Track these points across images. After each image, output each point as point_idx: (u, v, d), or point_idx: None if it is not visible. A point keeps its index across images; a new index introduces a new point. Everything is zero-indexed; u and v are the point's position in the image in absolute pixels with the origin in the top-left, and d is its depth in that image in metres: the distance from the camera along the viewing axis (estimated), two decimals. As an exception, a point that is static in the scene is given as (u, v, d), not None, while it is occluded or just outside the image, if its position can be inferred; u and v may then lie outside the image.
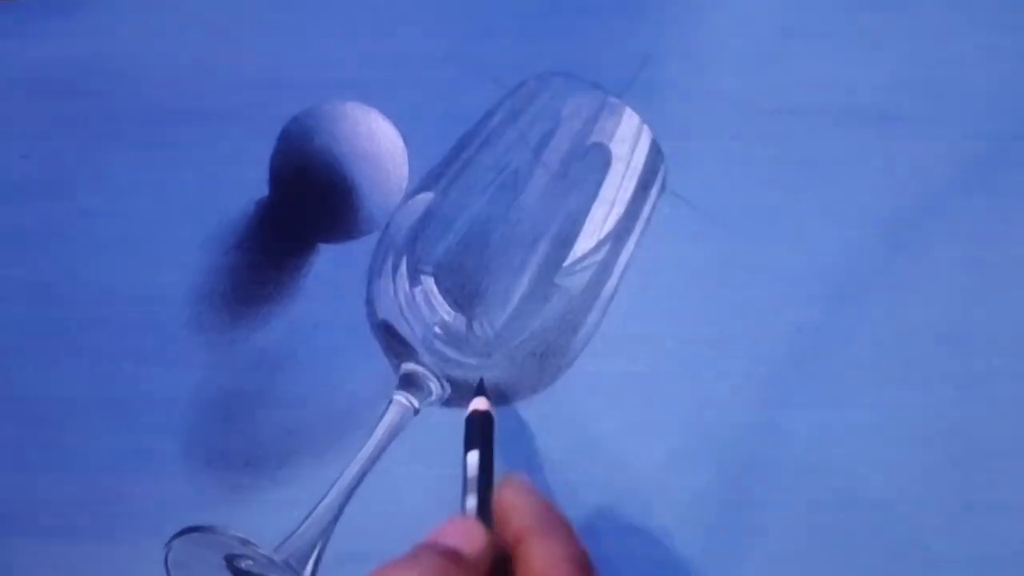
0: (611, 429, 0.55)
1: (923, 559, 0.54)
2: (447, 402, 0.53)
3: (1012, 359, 0.56)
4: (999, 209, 0.57)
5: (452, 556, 0.42)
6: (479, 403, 0.52)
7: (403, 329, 0.52)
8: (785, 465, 0.55)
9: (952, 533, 0.55)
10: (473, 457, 0.49)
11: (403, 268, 0.52)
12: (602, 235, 0.53)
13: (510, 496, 0.44)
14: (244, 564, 0.49)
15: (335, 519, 0.50)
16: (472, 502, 0.46)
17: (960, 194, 0.57)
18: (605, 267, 0.53)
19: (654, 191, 0.55)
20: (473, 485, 0.47)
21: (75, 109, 0.60)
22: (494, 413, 0.52)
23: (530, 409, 0.54)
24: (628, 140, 0.54)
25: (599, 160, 0.53)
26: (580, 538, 0.43)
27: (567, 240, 0.52)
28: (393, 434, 0.51)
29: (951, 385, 0.56)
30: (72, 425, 0.56)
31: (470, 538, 0.43)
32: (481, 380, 0.52)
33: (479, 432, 0.50)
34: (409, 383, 0.52)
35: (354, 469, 0.50)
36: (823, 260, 0.57)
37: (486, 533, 0.43)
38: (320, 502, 0.50)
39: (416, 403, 0.52)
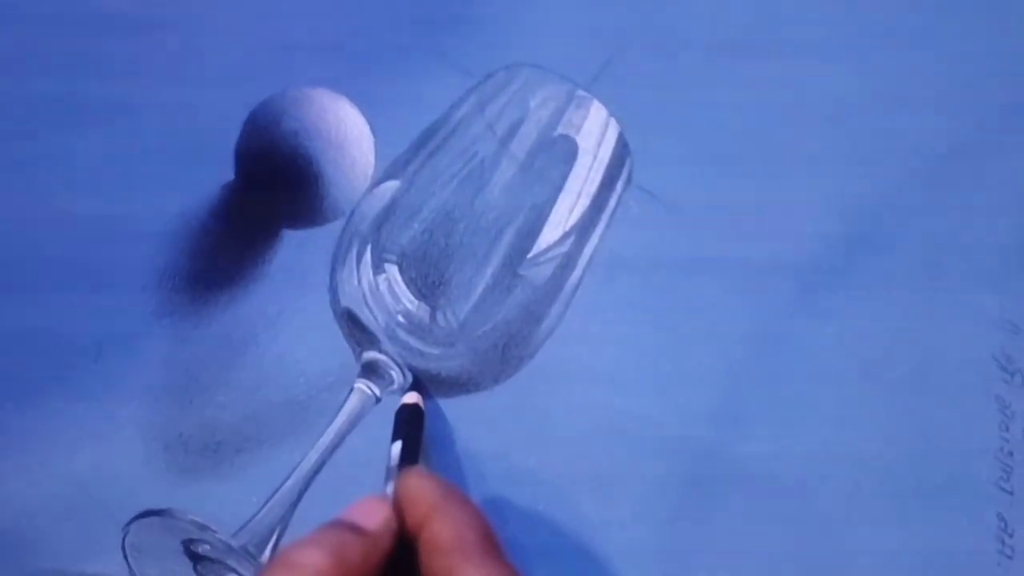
0: (570, 421, 0.55)
1: (876, 553, 0.55)
2: (408, 391, 0.53)
3: (970, 359, 0.57)
4: (960, 209, 0.58)
5: (353, 529, 0.43)
6: (410, 397, 0.53)
7: (366, 317, 0.52)
8: (743, 460, 0.55)
9: (907, 529, 0.55)
10: (396, 447, 0.50)
11: (367, 256, 0.52)
12: (567, 227, 0.53)
13: (410, 483, 0.45)
14: (201, 549, 0.49)
15: (294, 506, 0.50)
16: (391, 489, 0.46)
17: (922, 193, 0.58)
18: (569, 259, 0.53)
19: (620, 184, 0.55)
20: (393, 473, 0.48)
21: (40, 90, 0.59)
22: (424, 408, 0.53)
23: (491, 399, 0.55)
24: (595, 133, 0.54)
25: (566, 152, 0.53)
26: (483, 514, 0.44)
27: (532, 231, 0.52)
28: (354, 422, 0.51)
29: (910, 385, 0.56)
30: (29, 407, 0.55)
31: (372, 513, 0.44)
32: (416, 377, 0.52)
33: (406, 424, 0.52)
34: (371, 371, 0.52)
35: (314, 456, 0.50)
36: (786, 256, 0.57)
37: (389, 508, 0.44)
38: (279, 488, 0.50)
39: (378, 391, 0.52)
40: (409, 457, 0.50)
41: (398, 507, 0.45)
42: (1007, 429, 0.56)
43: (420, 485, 0.45)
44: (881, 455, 0.56)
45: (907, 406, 0.56)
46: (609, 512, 0.55)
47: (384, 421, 0.52)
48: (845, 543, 0.55)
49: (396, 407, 0.53)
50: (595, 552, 0.54)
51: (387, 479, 0.48)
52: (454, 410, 0.55)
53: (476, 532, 0.43)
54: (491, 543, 0.43)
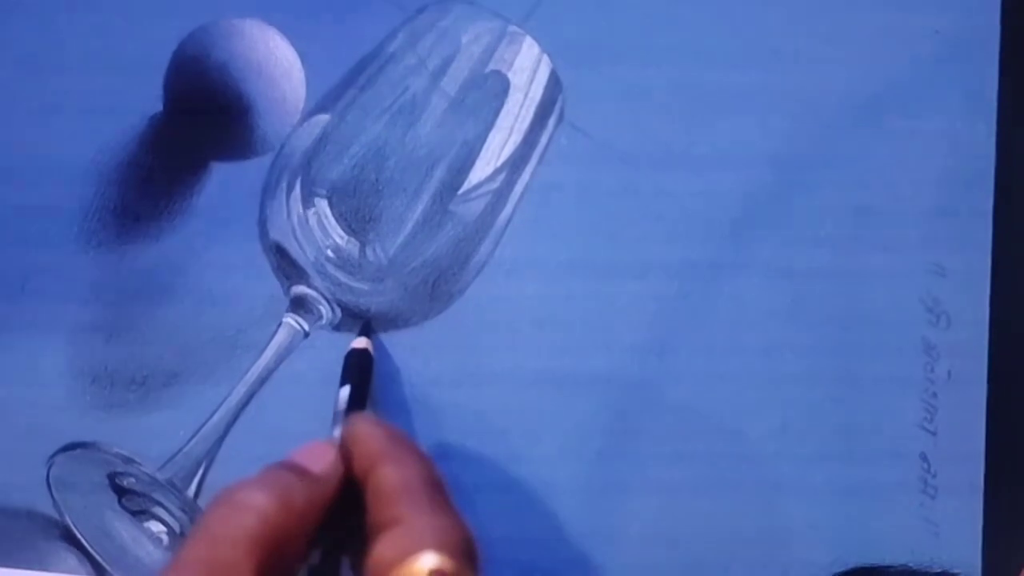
0: (499, 357, 0.55)
1: (801, 490, 0.55)
2: (337, 326, 0.53)
3: (897, 300, 0.57)
4: (890, 154, 0.58)
5: (299, 472, 0.43)
6: (359, 342, 0.52)
7: (295, 251, 0.52)
8: (670, 397, 0.56)
9: (831, 467, 0.56)
10: (344, 392, 0.50)
11: (297, 190, 0.52)
12: (498, 164, 0.53)
13: (358, 429, 0.45)
14: (127, 482, 0.49)
15: (221, 440, 0.50)
16: (338, 433, 0.46)
17: (851, 134, 0.58)
18: (500, 196, 0.53)
19: (551, 121, 0.55)
20: (340, 418, 0.48)
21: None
22: (373, 353, 0.53)
23: (419, 335, 0.54)
24: (527, 70, 0.54)
25: (498, 88, 0.53)
26: (431, 460, 0.44)
27: (463, 168, 0.52)
28: (282, 356, 0.51)
29: (837, 325, 0.57)
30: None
31: (318, 457, 0.44)
32: (367, 321, 0.52)
33: (354, 369, 0.51)
34: (299, 306, 0.52)
35: (241, 390, 0.51)
36: (716, 196, 0.57)
37: (335, 452, 0.45)
38: (206, 422, 0.50)
39: (306, 326, 0.52)
40: (357, 402, 0.49)
41: (345, 452, 0.45)
42: (932, 370, 0.57)
43: (367, 430, 0.45)
44: (807, 394, 0.56)
45: (833, 346, 0.56)
46: (537, 447, 0.55)
47: (312, 356, 0.52)
48: (770, 481, 0.56)
49: (346, 350, 0.52)
50: (523, 487, 0.55)
51: (334, 423, 0.48)
52: (383, 345, 0.55)
53: (422, 478, 0.43)
54: (437, 489, 0.43)
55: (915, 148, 0.58)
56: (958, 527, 0.56)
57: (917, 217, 0.57)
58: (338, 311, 0.52)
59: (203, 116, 0.56)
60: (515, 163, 0.53)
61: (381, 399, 0.54)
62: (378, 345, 0.54)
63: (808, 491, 0.56)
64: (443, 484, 0.44)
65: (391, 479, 0.43)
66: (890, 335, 0.57)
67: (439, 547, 0.40)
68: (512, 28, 0.54)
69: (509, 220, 0.54)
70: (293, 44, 0.56)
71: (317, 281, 0.52)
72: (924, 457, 0.56)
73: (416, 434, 0.54)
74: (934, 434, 0.56)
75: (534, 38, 0.54)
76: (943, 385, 0.57)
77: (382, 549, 0.41)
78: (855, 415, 0.56)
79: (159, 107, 0.57)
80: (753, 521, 0.56)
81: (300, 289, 0.52)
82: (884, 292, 0.57)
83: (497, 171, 0.53)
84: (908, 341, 0.57)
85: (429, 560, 0.40)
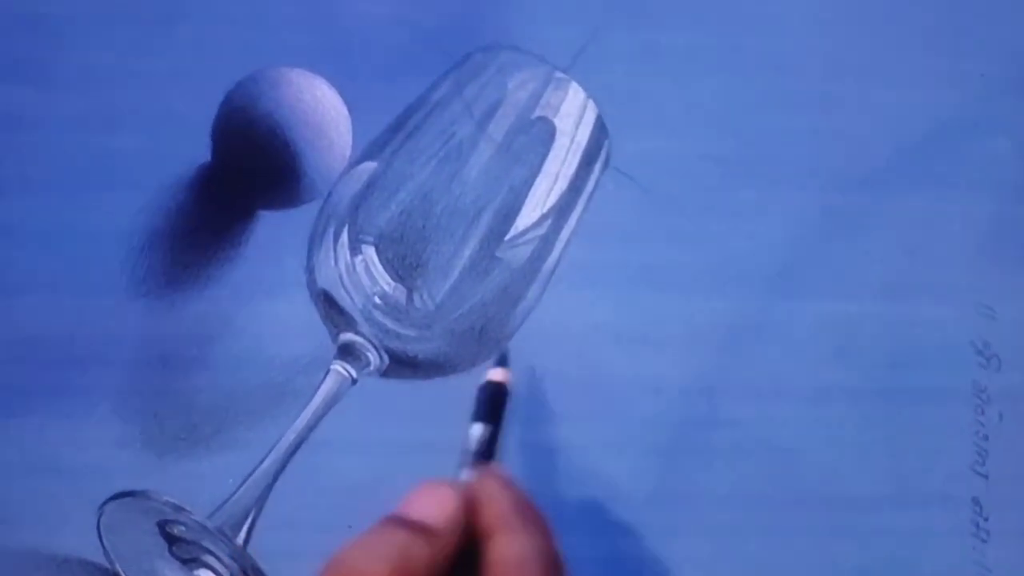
0: (548, 398, 0.55)
1: (852, 535, 0.55)
2: (385, 373, 0.53)
3: (947, 343, 0.57)
4: (937, 192, 0.58)
5: (417, 529, 0.39)
6: (496, 373, 0.46)
7: (342, 299, 0.52)
8: (719, 441, 0.55)
9: (883, 511, 0.55)
10: (477, 429, 0.44)
11: (344, 237, 0.52)
12: (545, 209, 0.53)
13: (487, 486, 0.41)
14: (177, 530, 0.49)
15: (270, 487, 0.50)
16: (465, 476, 0.42)
17: (899, 176, 0.58)
18: (547, 241, 0.53)
19: (598, 167, 0.55)
20: (470, 459, 0.43)
21: (11, 68, 0.59)
22: (510, 388, 0.47)
23: (468, 380, 0.54)
24: (573, 115, 0.54)
25: (544, 134, 0.53)
26: (555, 537, 0.43)
27: (510, 213, 0.52)
28: (330, 403, 0.51)
29: (887, 368, 0.56)
30: (4, 387, 0.55)
31: (437, 507, 0.40)
32: (506, 351, 0.47)
33: (489, 404, 0.46)
34: (347, 353, 0.52)
35: (290, 437, 0.50)
36: (763, 240, 0.57)
37: (456, 503, 0.40)
38: (255, 470, 0.50)
39: (354, 373, 0.52)
40: (490, 444, 0.44)
41: (468, 501, 0.41)
42: (983, 413, 0.56)
43: (495, 492, 0.41)
44: (858, 437, 0.56)
45: (883, 389, 0.56)
46: (587, 489, 0.55)
47: (360, 403, 0.52)
48: (821, 524, 0.55)
49: (480, 383, 0.46)
50: (575, 528, 0.54)
51: (462, 464, 0.43)
52: (426, 391, 0.55)
53: (542, 556, 0.40)
54: (556, 568, 0.41)
55: (963, 191, 0.58)
56: (1011, 572, 0.56)
57: (967, 260, 0.57)
58: (386, 358, 0.52)
59: (251, 165, 0.56)
60: (561, 208, 0.53)
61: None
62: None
63: (859, 535, 0.55)
64: (562, 562, 0.42)
65: (511, 551, 0.40)
66: (940, 378, 0.56)
67: None
68: (558, 74, 0.54)
69: (556, 265, 0.54)
70: (340, 92, 0.57)
71: (365, 328, 0.52)
72: (976, 501, 0.56)
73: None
74: (986, 477, 0.56)
75: (580, 83, 0.54)
76: (994, 428, 0.56)
77: None
78: (906, 459, 0.56)
79: (207, 156, 0.57)
80: (804, 565, 0.55)
81: (348, 336, 0.52)
82: (934, 335, 0.57)
83: (544, 217, 0.52)
84: (959, 384, 0.57)
85: None
